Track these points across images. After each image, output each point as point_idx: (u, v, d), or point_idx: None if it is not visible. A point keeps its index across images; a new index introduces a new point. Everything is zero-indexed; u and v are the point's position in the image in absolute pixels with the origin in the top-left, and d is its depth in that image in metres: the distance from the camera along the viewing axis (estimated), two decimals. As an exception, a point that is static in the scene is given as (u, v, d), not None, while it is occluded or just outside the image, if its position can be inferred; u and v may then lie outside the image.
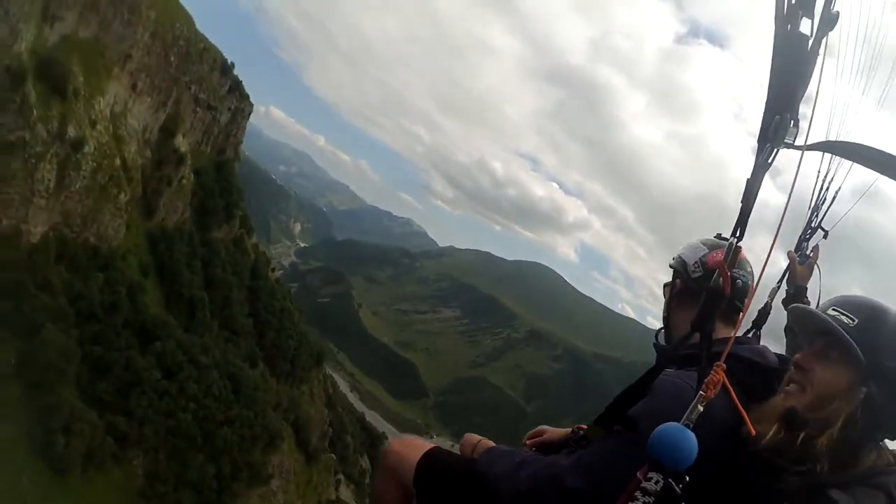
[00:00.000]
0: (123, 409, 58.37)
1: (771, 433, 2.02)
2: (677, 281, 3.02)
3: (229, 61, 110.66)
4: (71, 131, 65.11)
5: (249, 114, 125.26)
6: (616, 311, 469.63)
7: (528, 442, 3.49)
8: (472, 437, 3.33)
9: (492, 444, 3.18)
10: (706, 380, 1.95)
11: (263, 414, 71.55)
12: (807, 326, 2.25)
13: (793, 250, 3.79)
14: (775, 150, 2.07)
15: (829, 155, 3.15)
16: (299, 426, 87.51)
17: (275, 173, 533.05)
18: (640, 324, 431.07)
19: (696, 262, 2.87)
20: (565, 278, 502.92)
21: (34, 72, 61.78)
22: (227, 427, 65.72)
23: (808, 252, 3.85)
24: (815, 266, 3.74)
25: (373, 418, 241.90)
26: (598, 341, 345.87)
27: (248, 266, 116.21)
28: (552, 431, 3.47)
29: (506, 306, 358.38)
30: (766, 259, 2.25)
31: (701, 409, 1.90)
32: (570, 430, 3.37)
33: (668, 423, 1.86)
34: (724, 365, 1.99)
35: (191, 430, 62.70)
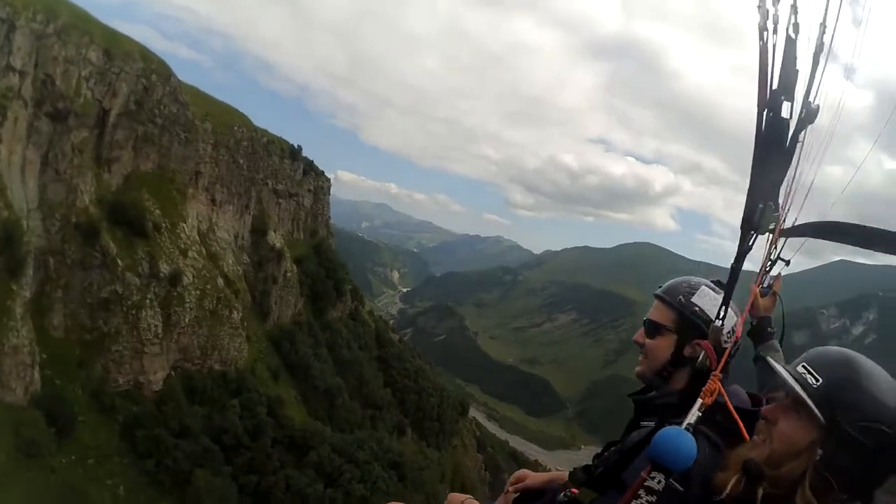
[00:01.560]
0: (295, 535, 55.75)
1: (731, 483, 2.02)
2: (664, 334, 2.83)
3: (296, 145, 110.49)
4: (163, 268, 62.13)
5: (329, 188, 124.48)
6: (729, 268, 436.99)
7: (510, 489, 3.47)
8: (456, 498, 3.32)
9: None
10: (703, 388, 2.08)
11: (435, 495, 67.12)
12: (773, 381, 2.28)
13: (754, 283, 3.36)
14: (756, 236, 2.20)
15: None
16: (465, 489, 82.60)
17: (360, 231, 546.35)
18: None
19: (729, 333, 2.68)
20: (671, 250, 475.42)
21: (107, 220, 59.27)
22: (402, 520, 61.63)
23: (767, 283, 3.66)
24: (777, 295, 3.77)
25: (518, 443, 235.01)
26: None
27: (371, 336, 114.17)
28: (534, 477, 3.48)
29: (621, 295, 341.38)
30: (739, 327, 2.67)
31: (700, 414, 2.01)
32: (550, 474, 3.49)
33: (669, 427, 1.93)
34: (720, 374, 2.16)
35: (368, 535, 59.31)
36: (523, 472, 3.50)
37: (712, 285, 2.89)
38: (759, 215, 2.11)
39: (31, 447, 46.33)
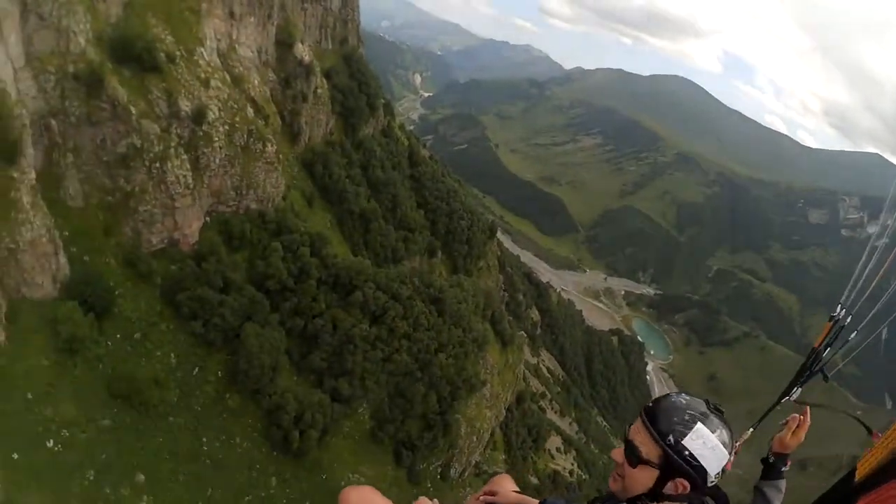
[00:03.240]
0: (341, 370, 54.55)
1: None
2: (646, 469, 2.74)
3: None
4: (184, 105, 50.54)
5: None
6: (765, 125, 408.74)
7: (481, 498, 3.61)
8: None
9: None
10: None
11: (470, 326, 66.14)
12: None
13: (798, 415, 3.29)
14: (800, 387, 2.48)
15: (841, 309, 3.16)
16: (495, 319, 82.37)
17: (380, 30, 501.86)
18: (792, 139, 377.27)
19: (718, 474, 2.71)
20: (707, 90, 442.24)
21: (111, 61, 47.13)
22: (440, 353, 61.04)
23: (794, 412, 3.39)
24: (800, 435, 3.41)
25: (528, 259, 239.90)
26: (750, 162, 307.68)
27: (404, 155, 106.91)
28: (505, 493, 3.61)
29: (648, 128, 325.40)
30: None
31: None
32: (519, 497, 3.60)
33: None
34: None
35: (408, 367, 58.56)
36: (497, 487, 3.69)
37: (709, 418, 2.67)
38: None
39: (72, 343, 41.63)
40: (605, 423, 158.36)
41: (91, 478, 38.81)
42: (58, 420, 39.14)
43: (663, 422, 2.66)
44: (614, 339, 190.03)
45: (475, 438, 70.67)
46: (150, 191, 48.53)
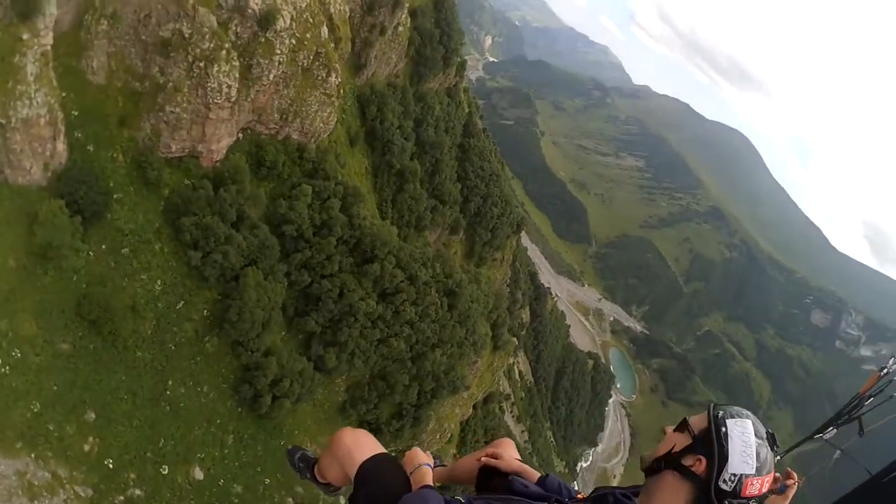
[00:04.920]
0: (333, 340, 49.29)
1: None
2: (684, 432, 2.83)
3: None
4: (254, 2, 42.71)
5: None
6: (803, 210, 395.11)
7: (483, 459, 3.65)
8: (418, 456, 3.47)
9: (429, 473, 3.35)
10: None
11: (474, 328, 61.04)
12: None
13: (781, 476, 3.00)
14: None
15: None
16: (497, 323, 77.50)
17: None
18: (823, 234, 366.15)
19: (734, 476, 2.62)
20: (762, 156, 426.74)
21: None
22: (437, 349, 55.96)
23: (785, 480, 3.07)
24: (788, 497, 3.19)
25: (534, 255, 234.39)
26: (778, 243, 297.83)
27: (461, 121, 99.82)
28: (507, 460, 3.63)
29: (693, 171, 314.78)
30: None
31: None
32: (521, 466, 3.62)
33: None
34: None
35: (401, 355, 53.44)
36: (501, 450, 3.70)
37: (762, 436, 2.70)
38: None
39: (47, 249, 35.05)
40: (552, 439, 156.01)
41: (35, 409, 33.55)
42: (11, 336, 33.36)
43: (727, 406, 2.78)
44: (590, 362, 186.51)
45: (439, 436, 66.88)
46: (186, 91, 40.77)
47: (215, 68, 41.14)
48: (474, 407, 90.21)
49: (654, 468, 2.86)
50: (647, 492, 2.91)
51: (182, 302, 42.70)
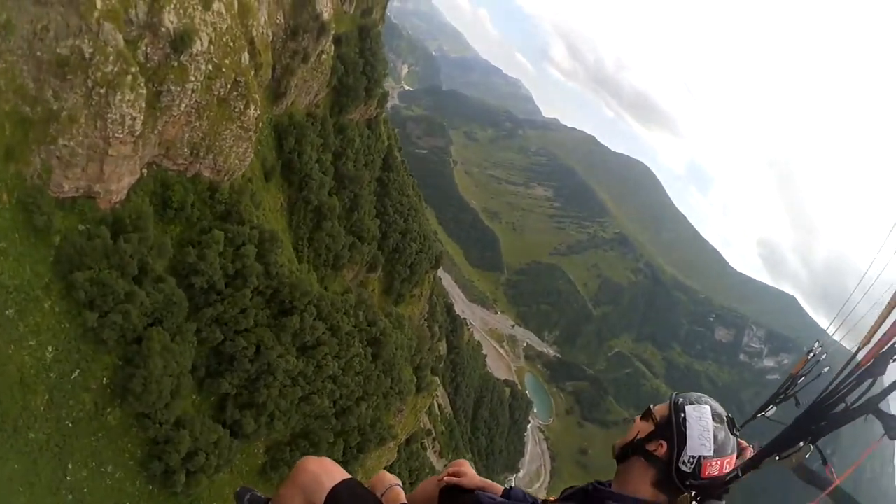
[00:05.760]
0: (249, 402, 43.94)
1: None
2: (648, 421, 2.93)
3: None
4: (169, 20, 36.83)
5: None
6: (703, 235, 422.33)
7: (445, 478, 3.57)
8: (387, 478, 3.46)
9: (402, 493, 3.31)
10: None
11: (399, 376, 57.36)
12: None
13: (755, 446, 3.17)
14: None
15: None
16: (420, 366, 74.25)
17: (389, 9, 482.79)
18: (725, 261, 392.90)
19: (692, 458, 2.71)
20: (664, 186, 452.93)
21: None
22: (363, 403, 51.75)
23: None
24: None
25: (447, 283, 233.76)
26: (681, 265, 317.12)
27: (380, 154, 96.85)
28: (470, 477, 3.58)
29: (600, 200, 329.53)
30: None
31: None
32: (483, 481, 3.57)
33: None
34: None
35: (325, 412, 48.60)
36: (463, 468, 3.67)
37: (721, 418, 2.79)
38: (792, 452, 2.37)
39: None
40: (475, 470, 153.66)
41: None
42: None
43: (686, 393, 2.89)
44: (507, 390, 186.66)
45: (362, 489, 62.23)
46: (82, 122, 34.37)
47: (118, 96, 35.02)
48: (398, 450, 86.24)
49: (623, 455, 2.99)
50: (617, 478, 3.01)
51: (78, 370, 36.12)
